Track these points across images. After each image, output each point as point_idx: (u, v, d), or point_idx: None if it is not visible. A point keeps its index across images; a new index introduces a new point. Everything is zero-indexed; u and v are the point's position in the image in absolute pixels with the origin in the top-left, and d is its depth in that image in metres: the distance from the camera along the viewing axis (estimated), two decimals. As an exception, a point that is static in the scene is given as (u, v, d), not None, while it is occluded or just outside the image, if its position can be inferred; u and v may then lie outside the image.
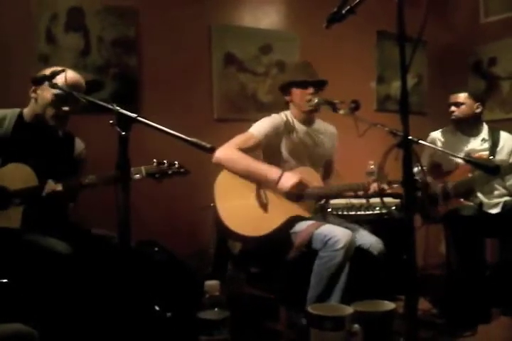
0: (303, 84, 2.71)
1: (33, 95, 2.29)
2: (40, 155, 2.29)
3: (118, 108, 1.60)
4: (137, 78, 3.32)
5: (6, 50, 2.66)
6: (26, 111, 2.34)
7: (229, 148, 2.59)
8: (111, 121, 1.57)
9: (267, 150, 2.75)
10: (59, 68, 2.15)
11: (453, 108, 3.18)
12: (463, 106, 3.15)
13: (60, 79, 2.13)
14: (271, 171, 2.55)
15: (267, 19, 3.86)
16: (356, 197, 2.75)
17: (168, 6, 3.43)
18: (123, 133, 1.56)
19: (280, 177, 2.51)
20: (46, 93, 2.24)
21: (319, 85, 2.73)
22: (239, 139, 2.65)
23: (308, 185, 2.57)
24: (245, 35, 3.72)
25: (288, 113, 2.83)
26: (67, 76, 2.17)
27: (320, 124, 2.90)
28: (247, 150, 2.65)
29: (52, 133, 2.39)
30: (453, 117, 3.20)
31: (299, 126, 2.81)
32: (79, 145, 2.50)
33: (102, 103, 1.70)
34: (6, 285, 1.99)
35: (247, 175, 2.59)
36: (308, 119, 2.83)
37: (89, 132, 2.65)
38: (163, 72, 3.40)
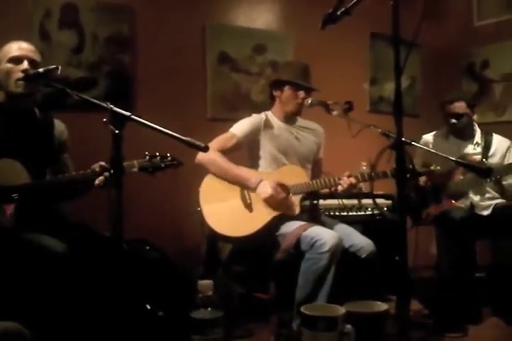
0: (297, 87, 2.75)
1: None
2: (22, 142, 2.25)
3: (111, 106, 1.59)
4: (131, 76, 3.30)
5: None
6: None
7: (211, 149, 2.58)
8: (104, 119, 1.56)
9: (250, 149, 2.82)
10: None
11: (453, 120, 3.09)
12: (464, 118, 3.09)
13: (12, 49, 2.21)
14: (249, 178, 2.62)
15: (261, 19, 3.85)
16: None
17: (162, 4, 3.41)
18: (116, 131, 1.55)
19: (257, 186, 2.59)
20: (2, 65, 2.22)
21: (310, 91, 2.77)
22: (220, 140, 2.72)
23: (283, 193, 2.60)
24: (239, 35, 3.71)
25: (269, 112, 2.88)
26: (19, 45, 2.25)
27: (303, 122, 2.93)
28: (229, 151, 2.72)
29: (30, 115, 2.36)
30: (456, 128, 3.14)
31: (279, 124, 2.84)
32: (58, 126, 2.45)
33: (95, 101, 1.69)
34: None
35: (227, 179, 2.66)
36: (290, 117, 2.86)
37: (82, 130, 2.64)
38: (157, 70, 3.39)
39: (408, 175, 2.18)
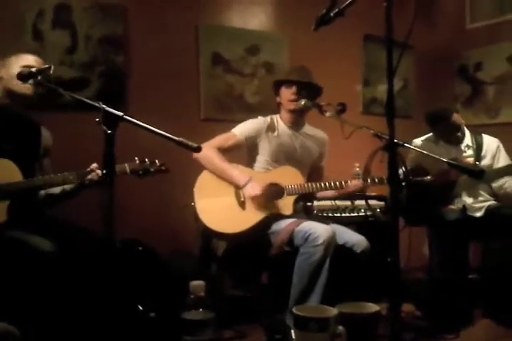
0: (288, 83, 2.77)
1: None
2: (10, 143, 2.29)
3: (104, 106, 1.59)
4: (124, 76, 3.29)
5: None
6: None
7: (209, 146, 2.67)
8: (97, 119, 1.56)
9: (250, 150, 2.83)
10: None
11: (458, 133, 3.12)
12: (462, 126, 3.13)
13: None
14: (238, 177, 2.65)
15: (255, 20, 3.85)
16: (336, 198, 2.81)
17: (156, 5, 3.41)
18: (109, 131, 1.55)
19: (245, 185, 2.61)
20: (12, 68, 2.23)
21: (307, 88, 2.76)
22: (220, 138, 2.76)
23: (269, 196, 2.62)
24: (232, 36, 3.70)
25: (276, 116, 2.89)
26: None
27: (309, 129, 2.94)
28: (228, 150, 2.75)
29: (21, 119, 2.40)
30: (447, 134, 3.15)
31: (284, 129, 2.85)
32: (45, 133, 2.49)
33: (88, 101, 1.68)
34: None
35: (220, 176, 2.69)
36: (295, 122, 2.87)
37: (74, 130, 2.63)
38: (151, 71, 3.38)
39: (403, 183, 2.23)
